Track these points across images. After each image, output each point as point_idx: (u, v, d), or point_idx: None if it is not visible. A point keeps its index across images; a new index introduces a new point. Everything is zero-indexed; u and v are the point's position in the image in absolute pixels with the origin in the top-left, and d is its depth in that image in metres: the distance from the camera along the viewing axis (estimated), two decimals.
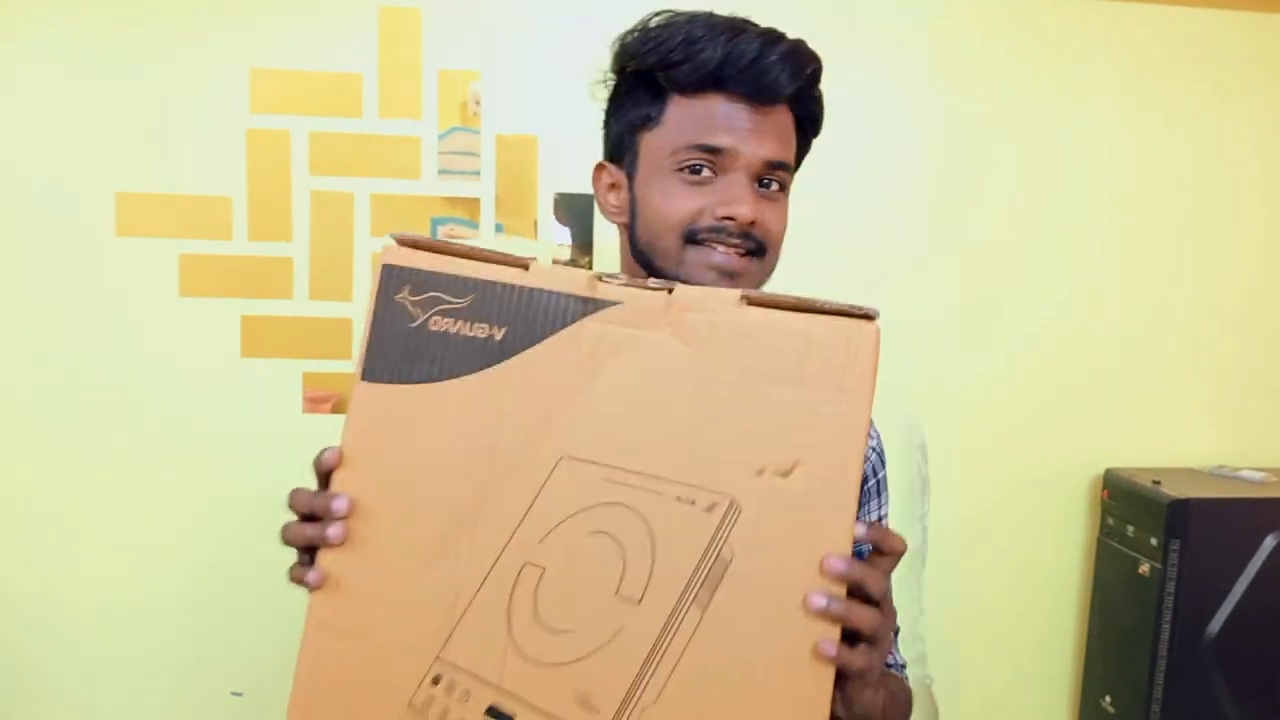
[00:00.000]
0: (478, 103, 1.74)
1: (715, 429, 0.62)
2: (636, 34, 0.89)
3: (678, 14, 0.88)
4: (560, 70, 1.73)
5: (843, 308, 0.62)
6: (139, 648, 1.74)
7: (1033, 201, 1.87)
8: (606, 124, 0.95)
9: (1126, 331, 1.91)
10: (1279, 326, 1.95)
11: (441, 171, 1.74)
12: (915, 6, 1.82)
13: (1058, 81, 1.85)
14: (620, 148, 0.92)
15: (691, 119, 0.85)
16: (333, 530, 0.65)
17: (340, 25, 1.70)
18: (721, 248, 0.85)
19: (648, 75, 0.88)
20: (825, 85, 0.92)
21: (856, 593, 0.62)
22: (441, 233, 1.76)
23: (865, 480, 0.94)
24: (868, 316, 0.62)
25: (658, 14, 0.89)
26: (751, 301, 0.63)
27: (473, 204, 1.75)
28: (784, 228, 0.89)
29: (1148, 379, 1.93)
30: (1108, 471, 1.88)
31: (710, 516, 0.61)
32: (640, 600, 0.61)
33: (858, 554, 0.63)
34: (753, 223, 0.84)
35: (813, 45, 0.90)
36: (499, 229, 1.76)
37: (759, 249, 0.86)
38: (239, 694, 1.76)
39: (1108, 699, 1.84)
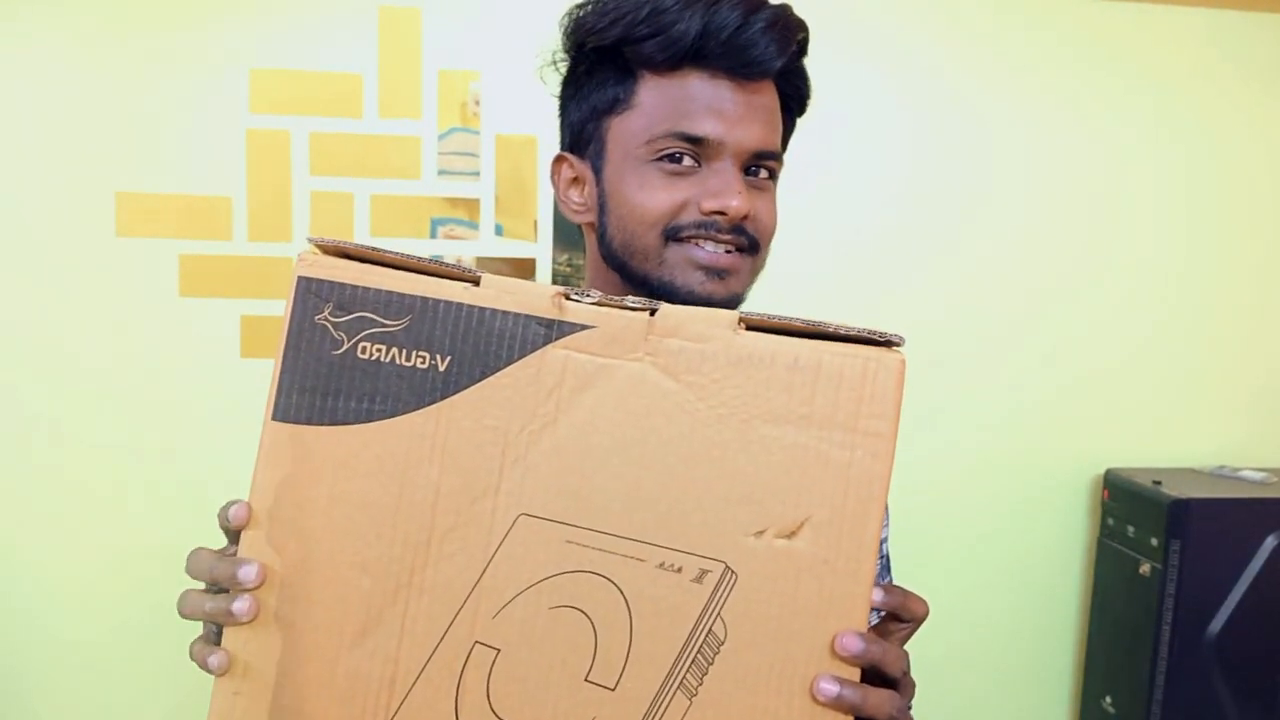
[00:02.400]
0: (478, 103, 1.68)
1: (705, 480, 0.51)
2: (592, 6, 0.77)
3: None
4: (561, 70, 1.74)
5: (861, 334, 0.51)
6: (138, 649, 1.69)
7: (1034, 203, 1.80)
8: (563, 110, 0.83)
9: (1127, 332, 1.85)
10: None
11: (441, 172, 1.68)
12: (926, 7, 1.77)
13: (1059, 83, 1.78)
14: (583, 137, 0.79)
15: (668, 102, 0.74)
16: (239, 605, 0.53)
17: (340, 25, 1.64)
18: (709, 244, 0.73)
19: (613, 52, 0.75)
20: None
21: (873, 672, 0.52)
22: (442, 233, 1.71)
23: None
24: (890, 343, 0.51)
25: None
26: (750, 325, 0.52)
27: (473, 204, 1.69)
28: (775, 219, 0.78)
29: (1148, 379, 1.86)
30: (1108, 472, 1.83)
31: (700, 587, 0.51)
32: (615, 686, 0.51)
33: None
34: (746, 216, 0.73)
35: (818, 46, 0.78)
36: (499, 229, 1.70)
37: (752, 245, 0.75)
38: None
39: (1108, 699, 1.79)
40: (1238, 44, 1.83)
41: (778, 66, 0.74)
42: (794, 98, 0.81)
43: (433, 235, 1.70)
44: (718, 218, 0.73)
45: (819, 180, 1.74)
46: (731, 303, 0.75)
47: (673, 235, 0.74)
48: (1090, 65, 1.81)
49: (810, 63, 0.81)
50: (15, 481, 1.66)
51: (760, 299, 0.79)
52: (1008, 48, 1.79)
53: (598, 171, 0.79)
